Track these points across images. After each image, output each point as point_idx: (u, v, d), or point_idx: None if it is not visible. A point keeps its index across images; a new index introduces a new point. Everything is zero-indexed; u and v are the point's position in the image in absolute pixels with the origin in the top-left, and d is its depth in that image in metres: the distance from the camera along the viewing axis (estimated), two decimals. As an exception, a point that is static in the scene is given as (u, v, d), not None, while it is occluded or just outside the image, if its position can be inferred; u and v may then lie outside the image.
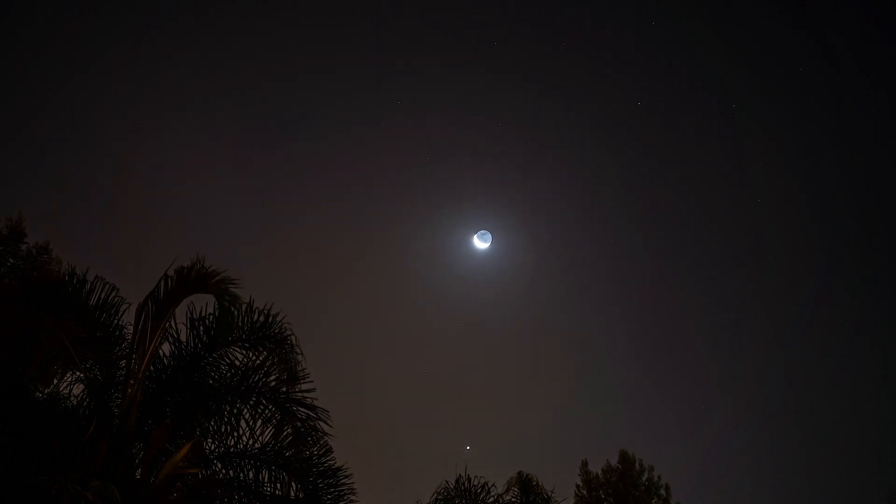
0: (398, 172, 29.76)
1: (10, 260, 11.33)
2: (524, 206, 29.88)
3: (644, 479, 20.12)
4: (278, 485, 7.70)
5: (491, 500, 11.44)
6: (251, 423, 7.75)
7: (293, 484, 7.71)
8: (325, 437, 7.89)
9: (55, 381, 7.37)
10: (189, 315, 7.81)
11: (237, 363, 7.91)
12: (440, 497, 11.23)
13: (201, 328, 7.84)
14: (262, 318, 7.85)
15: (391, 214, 30.35)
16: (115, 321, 7.61)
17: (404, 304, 31.01)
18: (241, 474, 7.72)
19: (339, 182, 29.58)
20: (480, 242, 27.22)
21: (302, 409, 7.75)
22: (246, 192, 29.16)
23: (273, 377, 7.81)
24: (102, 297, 7.53)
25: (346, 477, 8.03)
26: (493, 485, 11.57)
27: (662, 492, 19.94)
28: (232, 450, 7.77)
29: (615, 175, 29.89)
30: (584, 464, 20.72)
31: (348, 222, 30.13)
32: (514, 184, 29.79)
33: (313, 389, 7.85)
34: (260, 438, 7.78)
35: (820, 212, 28.91)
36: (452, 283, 29.63)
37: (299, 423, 7.69)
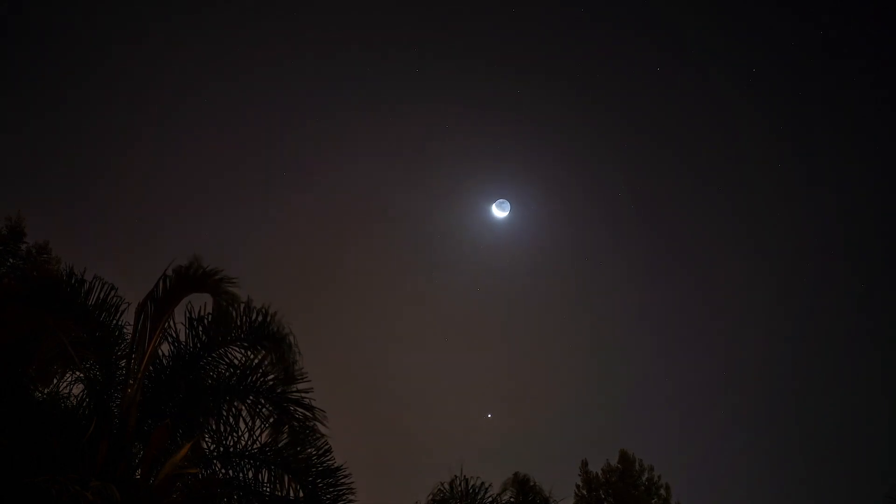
0: (412, 141, 29.22)
1: (10, 260, 11.36)
2: (543, 175, 29.22)
3: (644, 478, 20.10)
4: (277, 484, 7.71)
5: (489, 500, 11.41)
6: (250, 423, 7.77)
7: (292, 484, 7.72)
8: (325, 438, 7.93)
9: (55, 381, 7.39)
10: (188, 315, 7.83)
11: (236, 362, 7.94)
12: (436, 499, 11.16)
13: (200, 328, 7.85)
14: (259, 318, 7.87)
15: (406, 183, 29.73)
16: (115, 321, 7.64)
17: (419, 274, 30.58)
18: (241, 474, 7.73)
19: (349, 153, 29.06)
20: (499, 211, 26.87)
21: (300, 409, 7.77)
22: (247, 183, 28.88)
23: (271, 377, 7.83)
24: (101, 296, 7.57)
25: (345, 476, 8.05)
26: (489, 485, 11.53)
27: (662, 492, 19.93)
28: (231, 450, 7.78)
29: (625, 147, 29.38)
30: (584, 464, 20.71)
31: (359, 192, 29.58)
32: (533, 152, 29.20)
33: (311, 389, 7.88)
34: (259, 438, 7.81)
35: (821, 210, 28.84)
36: (471, 253, 29.20)
37: (296, 423, 7.71)
